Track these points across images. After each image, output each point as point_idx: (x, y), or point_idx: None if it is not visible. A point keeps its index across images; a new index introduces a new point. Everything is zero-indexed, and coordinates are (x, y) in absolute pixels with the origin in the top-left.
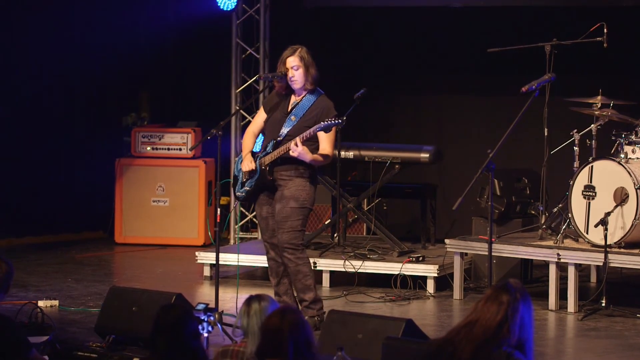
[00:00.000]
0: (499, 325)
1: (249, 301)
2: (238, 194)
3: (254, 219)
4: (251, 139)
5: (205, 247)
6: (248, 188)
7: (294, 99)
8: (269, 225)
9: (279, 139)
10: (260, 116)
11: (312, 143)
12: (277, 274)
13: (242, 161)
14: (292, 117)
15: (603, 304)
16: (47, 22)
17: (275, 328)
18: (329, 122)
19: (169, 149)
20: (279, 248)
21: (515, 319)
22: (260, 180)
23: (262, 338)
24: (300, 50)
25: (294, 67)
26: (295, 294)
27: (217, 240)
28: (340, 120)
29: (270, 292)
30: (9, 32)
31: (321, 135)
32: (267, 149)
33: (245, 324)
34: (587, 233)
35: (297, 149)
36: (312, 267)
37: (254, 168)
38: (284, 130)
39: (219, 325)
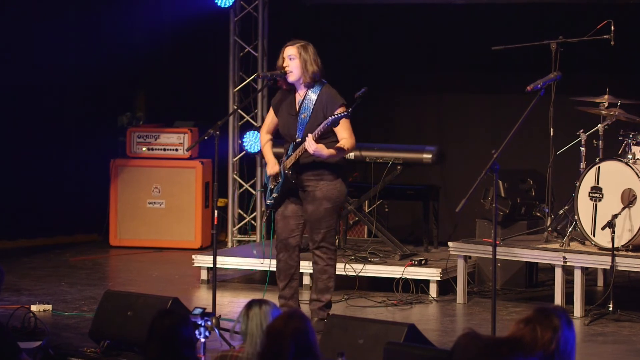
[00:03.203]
0: (552, 355)
1: (250, 304)
2: (268, 202)
3: (253, 222)
4: (268, 140)
5: (202, 250)
6: (276, 194)
7: (298, 97)
8: (289, 225)
9: (298, 140)
10: (271, 116)
11: (330, 136)
12: (286, 276)
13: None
14: (303, 115)
15: (610, 309)
16: (44, 22)
17: (278, 331)
18: (335, 116)
19: (165, 150)
20: (295, 248)
21: (566, 349)
22: (285, 184)
23: (264, 341)
24: (301, 43)
25: (290, 56)
26: (311, 294)
27: (215, 243)
28: (347, 112)
29: (269, 296)
30: (6, 32)
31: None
32: (289, 153)
33: (244, 327)
34: (593, 236)
35: (312, 147)
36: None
37: (278, 171)
38: (300, 131)
39: (216, 330)
